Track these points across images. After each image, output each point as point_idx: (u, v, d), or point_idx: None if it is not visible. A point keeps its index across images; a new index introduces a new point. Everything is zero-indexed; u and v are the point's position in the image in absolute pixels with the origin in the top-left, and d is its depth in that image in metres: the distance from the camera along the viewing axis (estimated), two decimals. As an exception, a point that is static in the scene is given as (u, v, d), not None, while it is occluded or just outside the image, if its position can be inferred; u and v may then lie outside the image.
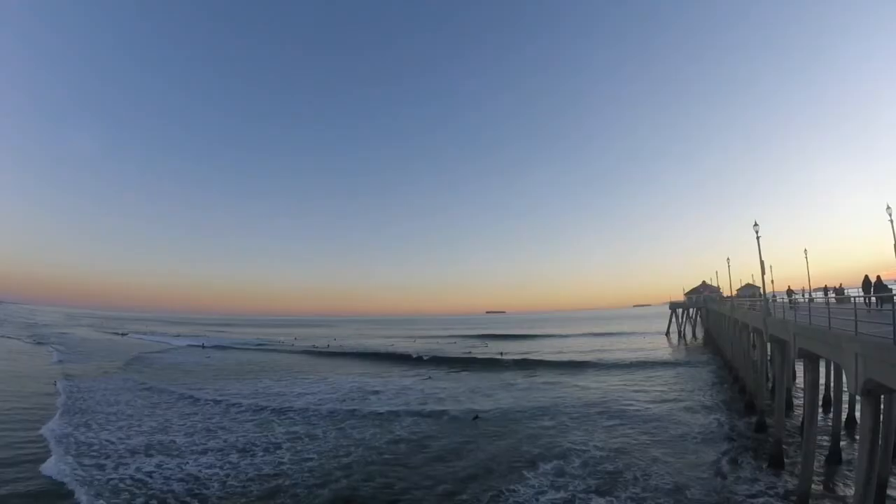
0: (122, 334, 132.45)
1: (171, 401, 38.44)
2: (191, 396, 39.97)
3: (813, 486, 16.15)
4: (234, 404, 36.62)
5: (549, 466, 21.71)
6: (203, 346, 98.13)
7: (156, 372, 57.46)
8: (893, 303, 12.62)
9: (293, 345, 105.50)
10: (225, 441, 26.63)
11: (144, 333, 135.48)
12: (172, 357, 77.03)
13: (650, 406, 33.36)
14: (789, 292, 30.68)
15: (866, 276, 23.65)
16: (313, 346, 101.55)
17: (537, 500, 18.24)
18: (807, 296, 29.71)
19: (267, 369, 61.84)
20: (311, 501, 18.42)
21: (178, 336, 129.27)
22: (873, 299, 20.53)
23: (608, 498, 18.16)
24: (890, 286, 23.18)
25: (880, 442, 11.71)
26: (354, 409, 35.37)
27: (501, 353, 76.65)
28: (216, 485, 19.92)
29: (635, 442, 25.00)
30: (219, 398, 39.01)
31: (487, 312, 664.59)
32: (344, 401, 39.02)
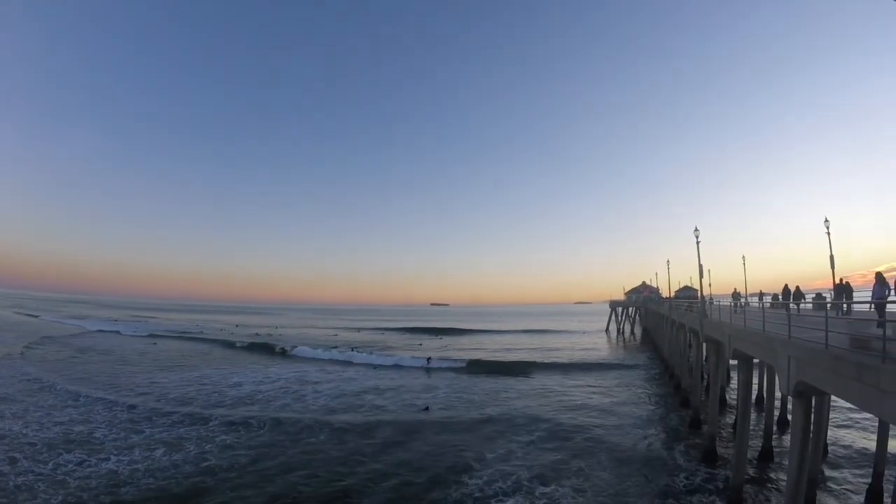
0: (36, 316, 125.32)
1: (49, 391, 35.27)
2: (75, 391, 35.33)
3: (746, 481, 16.89)
4: (123, 402, 32.41)
5: (494, 456, 22.07)
6: (123, 334, 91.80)
7: (53, 358, 54.03)
8: (826, 309, 13.34)
9: (233, 333, 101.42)
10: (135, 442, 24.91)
11: (73, 317, 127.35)
12: (82, 341, 72.90)
13: (589, 402, 34.21)
14: (735, 295, 31.41)
15: (786, 286, 25.54)
16: (256, 334, 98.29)
17: (486, 489, 18.42)
18: (744, 301, 31.22)
19: (199, 358, 58.78)
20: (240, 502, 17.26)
21: (116, 321, 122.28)
22: (800, 305, 21.80)
23: (553, 486, 18.63)
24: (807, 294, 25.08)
25: (811, 440, 12.26)
26: (294, 401, 34.27)
27: (446, 346, 77.15)
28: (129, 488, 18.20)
29: (576, 436, 25.44)
30: (99, 394, 34.61)
31: (432, 304, 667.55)
32: (283, 392, 37.67)
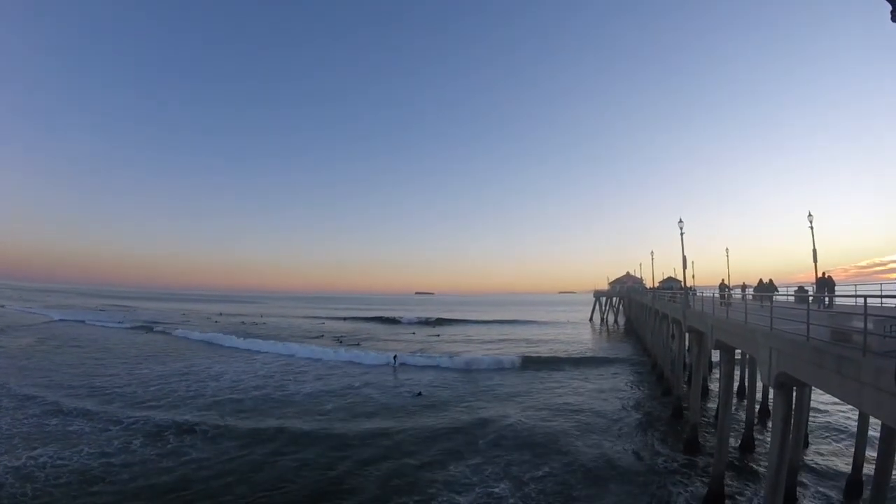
0: (1, 306, 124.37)
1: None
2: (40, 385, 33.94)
3: (727, 470, 17.23)
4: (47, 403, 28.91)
5: (485, 443, 22.69)
6: (88, 323, 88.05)
7: (15, 346, 53.65)
8: (808, 302, 13.58)
9: (217, 321, 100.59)
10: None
11: (48, 307, 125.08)
12: (43, 331, 71.71)
13: (574, 391, 34.66)
14: (723, 287, 30.31)
15: (760, 279, 26.31)
16: (241, 322, 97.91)
17: (474, 476, 18.80)
18: (736, 292, 31.16)
19: (171, 350, 57.21)
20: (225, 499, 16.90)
21: (100, 310, 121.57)
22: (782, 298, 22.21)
23: (544, 470, 19.32)
24: (780, 288, 25.66)
25: (791, 431, 12.50)
26: (278, 391, 34.11)
27: (438, 335, 77.34)
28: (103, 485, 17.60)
29: (561, 425, 25.72)
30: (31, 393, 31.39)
31: (417, 293, 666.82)
32: (267, 382, 37.51)
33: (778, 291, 24.54)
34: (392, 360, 47.53)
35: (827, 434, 23.38)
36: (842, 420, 25.11)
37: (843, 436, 22.90)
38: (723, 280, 30.50)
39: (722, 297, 22.06)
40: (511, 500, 16.62)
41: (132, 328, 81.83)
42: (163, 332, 74.90)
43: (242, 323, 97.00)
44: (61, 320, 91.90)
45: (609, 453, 21.18)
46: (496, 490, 17.35)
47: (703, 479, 17.86)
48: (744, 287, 30.70)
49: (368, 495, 17.09)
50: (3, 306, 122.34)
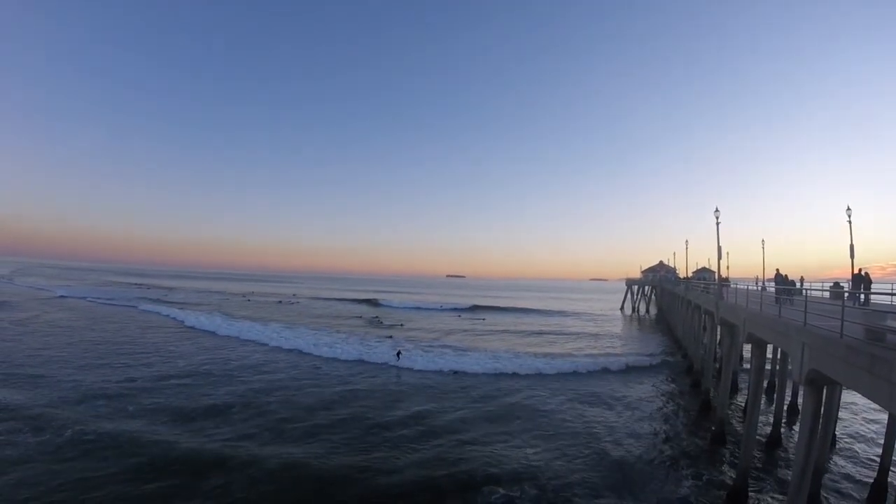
0: (8, 280, 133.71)
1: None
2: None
3: (753, 465, 17.02)
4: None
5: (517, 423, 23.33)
6: (90, 300, 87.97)
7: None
8: (843, 298, 13.12)
9: (249, 300, 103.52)
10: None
11: (91, 285, 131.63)
12: (33, 307, 72.44)
13: (602, 379, 34.56)
14: (778, 277, 26.18)
15: (777, 271, 25.54)
16: (279, 302, 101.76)
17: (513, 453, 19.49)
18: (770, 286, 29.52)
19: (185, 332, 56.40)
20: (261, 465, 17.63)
21: (138, 286, 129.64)
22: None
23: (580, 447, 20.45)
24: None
25: (819, 430, 12.24)
26: (309, 372, 34.77)
27: (483, 320, 77.12)
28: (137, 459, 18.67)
29: (588, 414, 25.76)
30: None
31: (448, 276, 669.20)
32: (298, 362, 38.32)
33: (794, 287, 23.84)
34: (395, 357, 39.90)
35: (854, 435, 22.75)
36: (870, 421, 24.51)
37: (870, 438, 22.27)
38: (777, 270, 26.90)
39: (779, 291, 20.27)
40: (546, 473, 17.47)
41: (123, 306, 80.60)
42: (144, 311, 73.28)
43: (280, 302, 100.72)
44: (62, 297, 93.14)
45: (635, 445, 21.13)
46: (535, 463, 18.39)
47: (729, 472, 17.76)
48: (786, 279, 28.70)
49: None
50: (10, 280, 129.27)
